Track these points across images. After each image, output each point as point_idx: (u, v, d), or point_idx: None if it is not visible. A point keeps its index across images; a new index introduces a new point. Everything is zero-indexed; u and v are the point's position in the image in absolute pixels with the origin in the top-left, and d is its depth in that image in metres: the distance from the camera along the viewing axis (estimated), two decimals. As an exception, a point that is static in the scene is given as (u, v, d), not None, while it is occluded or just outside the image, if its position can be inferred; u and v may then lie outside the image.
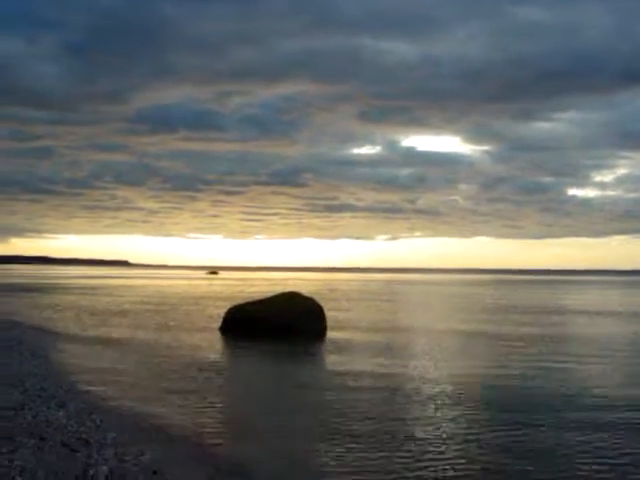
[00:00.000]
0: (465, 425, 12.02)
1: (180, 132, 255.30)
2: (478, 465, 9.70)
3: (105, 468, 8.74)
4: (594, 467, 9.71)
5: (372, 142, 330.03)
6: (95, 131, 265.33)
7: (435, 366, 18.95)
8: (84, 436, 10.31)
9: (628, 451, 10.54)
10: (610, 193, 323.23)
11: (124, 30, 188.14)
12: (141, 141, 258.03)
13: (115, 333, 26.47)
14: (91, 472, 8.53)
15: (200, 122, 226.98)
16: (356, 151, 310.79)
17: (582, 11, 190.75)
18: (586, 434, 11.48)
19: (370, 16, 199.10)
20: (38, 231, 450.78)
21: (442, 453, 10.22)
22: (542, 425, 12.04)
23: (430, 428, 11.73)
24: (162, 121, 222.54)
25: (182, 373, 17.31)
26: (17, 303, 43.93)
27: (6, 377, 15.06)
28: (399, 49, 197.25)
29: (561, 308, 47.16)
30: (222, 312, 29.58)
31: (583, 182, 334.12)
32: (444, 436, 11.21)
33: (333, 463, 9.74)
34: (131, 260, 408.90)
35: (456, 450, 10.39)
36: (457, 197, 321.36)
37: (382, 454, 10.14)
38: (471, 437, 11.16)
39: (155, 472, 8.82)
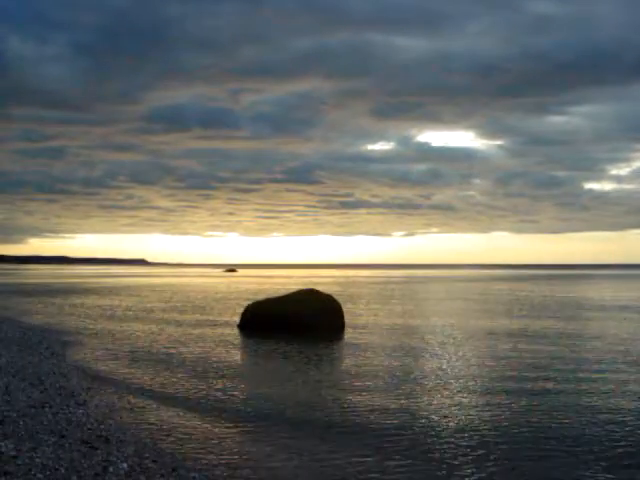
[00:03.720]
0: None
1: (194, 131, 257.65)
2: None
3: (125, 465, 8.77)
4: None
5: (386, 138, 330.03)
6: (108, 131, 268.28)
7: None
8: (104, 434, 10.35)
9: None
10: (626, 186, 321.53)
11: (135, 30, 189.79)
12: (155, 140, 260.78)
13: (132, 332, 26.57)
14: (111, 469, 8.56)
15: (213, 120, 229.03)
16: (370, 147, 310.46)
17: (594, 4, 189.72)
18: None
19: (382, 12, 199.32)
20: (55, 231, 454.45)
21: None
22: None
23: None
24: (175, 120, 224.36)
25: (200, 371, 17.39)
26: (37, 304, 44.19)
27: (26, 376, 15.15)
28: (411, 45, 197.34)
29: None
30: (240, 309, 29.67)
31: (599, 176, 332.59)
32: None
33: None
34: (149, 259, 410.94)
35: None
36: (472, 192, 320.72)
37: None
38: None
39: (174, 469, 8.83)
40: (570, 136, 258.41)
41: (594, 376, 16.51)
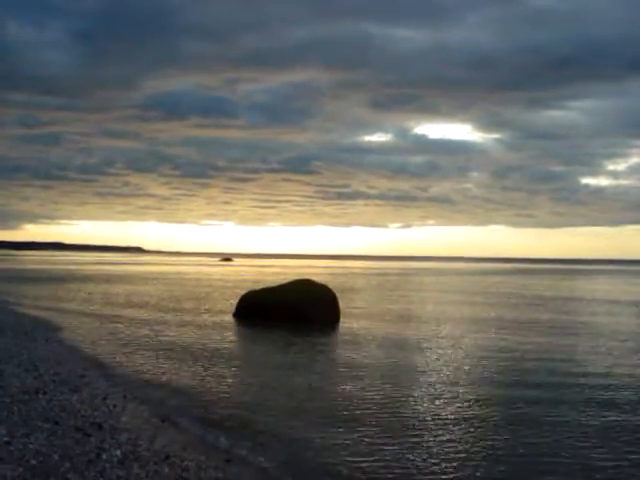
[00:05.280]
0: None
1: (191, 119, 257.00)
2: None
3: (118, 452, 8.78)
4: None
5: (383, 130, 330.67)
6: (105, 117, 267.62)
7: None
8: (97, 420, 10.36)
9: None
10: (623, 182, 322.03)
11: (133, 17, 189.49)
12: (152, 128, 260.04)
13: (127, 320, 26.59)
14: (104, 456, 8.57)
15: (210, 109, 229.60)
16: (367, 139, 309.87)
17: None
18: None
19: (381, 3, 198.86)
20: (51, 217, 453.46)
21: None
22: None
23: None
24: (172, 108, 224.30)
25: (194, 358, 17.41)
26: (32, 290, 44.16)
27: (20, 362, 15.15)
28: (410, 36, 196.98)
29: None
30: (236, 298, 29.68)
31: (596, 171, 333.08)
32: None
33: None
34: (145, 246, 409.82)
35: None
36: (469, 185, 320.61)
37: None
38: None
39: (168, 456, 8.85)
40: (567, 131, 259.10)
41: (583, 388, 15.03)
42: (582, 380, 15.33)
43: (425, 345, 20.75)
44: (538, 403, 12.99)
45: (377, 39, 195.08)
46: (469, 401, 13.05)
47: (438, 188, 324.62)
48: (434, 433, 10.78)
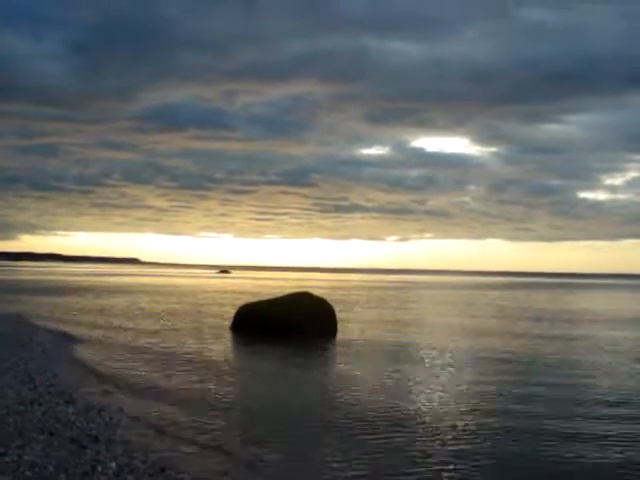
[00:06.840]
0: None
1: (188, 131, 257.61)
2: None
3: (113, 464, 8.75)
4: None
5: (381, 143, 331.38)
6: (103, 129, 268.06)
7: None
8: (93, 432, 10.34)
9: None
10: (621, 196, 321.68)
11: (130, 28, 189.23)
12: (149, 140, 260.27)
13: (123, 332, 26.55)
14: (99, 468, 8.54)
15: (208, 121, 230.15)
16: (365, 152, 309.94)
17: (590, 13, 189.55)
18: None
19: (378, 16, 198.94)
20: (48, 228, 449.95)
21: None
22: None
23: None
24: (170, 120, 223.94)
25: (190, 373, 17.37)
26: (29, 301, 44.06)
27: (17, 373, 15.12)
28: (407, 50, 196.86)
29: None
30: (233, 311, 29.63)
31: (593, 185, 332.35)
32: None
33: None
34: (142, 258, 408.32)
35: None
36: (467, 198, 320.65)
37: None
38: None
39: (163, 469, 8.82)
40: (565, 145, 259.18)
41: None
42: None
43: (424, 380, 20.59)
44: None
45: (374, 53, 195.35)
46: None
47: (435, 201, 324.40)
48: None
